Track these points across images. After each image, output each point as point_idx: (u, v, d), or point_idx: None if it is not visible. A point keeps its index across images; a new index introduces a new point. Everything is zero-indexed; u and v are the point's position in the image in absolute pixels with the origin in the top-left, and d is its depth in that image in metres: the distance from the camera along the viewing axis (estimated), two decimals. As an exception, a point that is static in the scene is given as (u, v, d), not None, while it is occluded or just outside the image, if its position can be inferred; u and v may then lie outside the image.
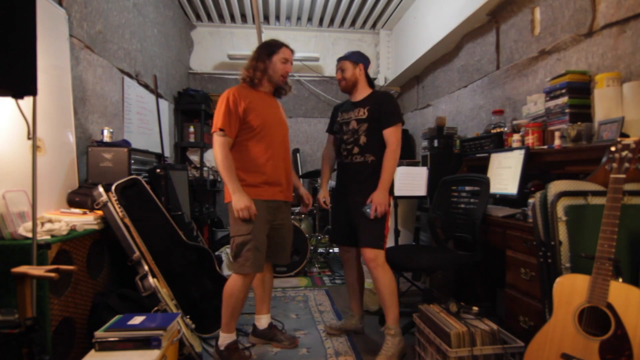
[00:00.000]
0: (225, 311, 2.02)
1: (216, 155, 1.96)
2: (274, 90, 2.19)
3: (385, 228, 2.15)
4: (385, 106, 2.20)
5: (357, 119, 2.23)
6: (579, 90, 2.10)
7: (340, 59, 2.31)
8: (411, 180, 3.04)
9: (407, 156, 4.66)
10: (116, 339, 1.51)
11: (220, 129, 1.95)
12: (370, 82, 2.34)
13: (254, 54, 2.11)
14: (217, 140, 1.95)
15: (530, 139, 2.31)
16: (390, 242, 2.32)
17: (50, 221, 1.74)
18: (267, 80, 2.11)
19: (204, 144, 4.60)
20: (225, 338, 2.04)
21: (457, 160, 3.09)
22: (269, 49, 2.09)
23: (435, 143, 3.16)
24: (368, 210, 2.09)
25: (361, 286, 2.45)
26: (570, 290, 1.34)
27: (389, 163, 2.15)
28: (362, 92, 2.29)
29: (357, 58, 2.28)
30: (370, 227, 2.12)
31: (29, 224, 1.59)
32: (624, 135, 1.77)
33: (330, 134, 2.51)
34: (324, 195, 2.41)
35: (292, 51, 2.15)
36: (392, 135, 2.16)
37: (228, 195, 1.98)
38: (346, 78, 2.28)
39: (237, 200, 1.91)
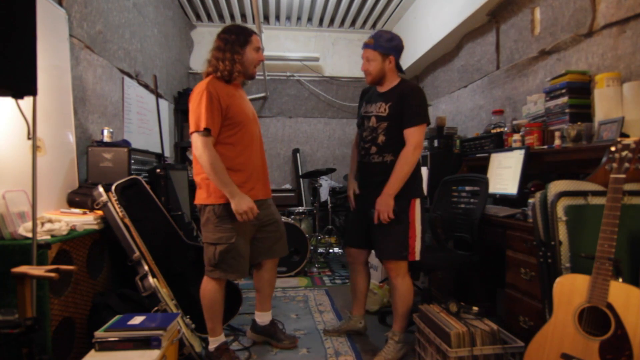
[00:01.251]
0: (209, 316, 1.98)
1: (201, 158, 1.81)
2: (242, 81, 2.06)
3: (410, 236, 1.99)
4: (408, 103, 1.97)
5: (377, 115, 2.05)
6: (579, 90, 2.10)
7: (366, 45, 2.04)
8: (411, 180, 3.03)
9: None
10: (116, 339, 1.51)
11: (206, 129, 1.79)
12: (400, 70, 2.11)
13: (219, 43, 1.94)
14: (201, 140, 1.79)
15: (530, 139, 2.31)
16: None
17: (50, 221, 1.74)
18: (242, 73, 1.97)
19: (204, 144, 4.59)
20: (214, 341, 2.01)
21: (457, 160, 3.09)
22: (240, 38, 1.93)
23: (435, 143, 3.16)
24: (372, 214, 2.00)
25: (366, 290, 2.40)
26: (570, 290, 1.34)
27: (400, 165, 1.95)
28: (390, 82, 2.07)
29: (388, 48, 2.01)
30: (392, 238, 2.00)
31: (29, 224, 1.59)
32: (624, 135, 1.77)
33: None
34: (352, 188, 2.25)
35: (259, 37, 2.02)
36: (412, 135, 1.96)
37: (205, 195, 1.90)
38: (372, 72, 2.04)
39: (239, 203, 1.82)
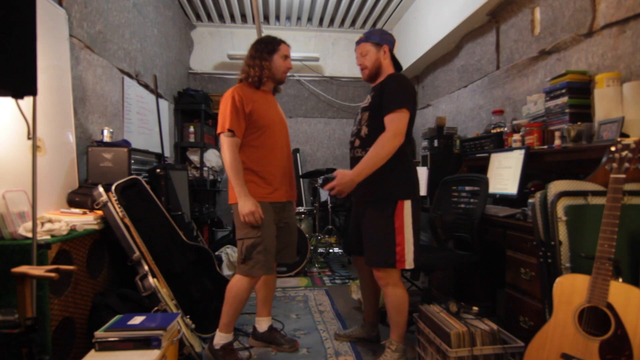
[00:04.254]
0: (227, 311, 1.99)
1: (225, 157, 1.93)
2: (272, 88, 2.17)
3: (396, 244, 1.81)
4: (387, 90, 1.83)
5: (363, 107, 1.99)
6: (579, 90, 2.10)
7: (359, 42, 1.98)
8: (411, 180, 3.03)
9: (407, 156, 4.66)
10: (116, 339, 1.51)
11: (229, 130, 1.91)
12: (397, 65, 2.00)
13: (252, 52, 2.07)
14: (226, 141, 1.92)
15: (530, 139, 2.31)
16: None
17: (50, 221, 1.74)
18: (270, 79, 2.09)
19: (204, 144, 4.60)
20: (222, 338, 2.00)
21: (457, 160, 3.09)
22: (269, 47, 2.06)
23: (435, 143, 3.16)
24: (321, 181, 1.84)
25: (376, 294, 2.27)
26: (570, 290, 1.34)
27: (374, 149, 1.75)
28: (383, 76, 1.95)
29: (381, 38, 1.93)
30: (376, 243, 1.87)
31: (29, 224, 1.59)
32: (624, 135, 1.77)
33: None
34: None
35: (289, 46, 2.13)
36: (390, 122, 1.78)
37: (233, 196, 1.96)
38: (367, 65, 1.94)
39: (243, 204, 1.88)
